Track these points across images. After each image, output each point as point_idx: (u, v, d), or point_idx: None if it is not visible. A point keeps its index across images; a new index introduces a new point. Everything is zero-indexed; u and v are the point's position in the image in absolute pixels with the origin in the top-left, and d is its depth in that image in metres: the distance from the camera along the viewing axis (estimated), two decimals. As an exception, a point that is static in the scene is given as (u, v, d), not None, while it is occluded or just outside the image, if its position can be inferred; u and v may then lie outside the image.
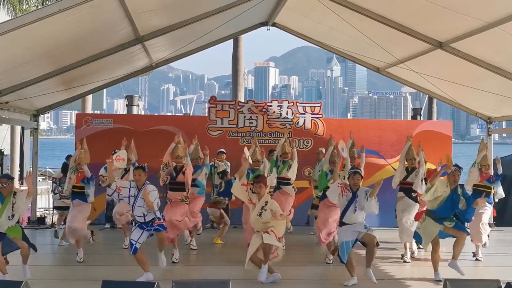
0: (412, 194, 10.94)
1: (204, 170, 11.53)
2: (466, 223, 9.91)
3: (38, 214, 15.35)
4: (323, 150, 12.69)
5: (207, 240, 12.66)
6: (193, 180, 11.27)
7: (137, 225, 9.07)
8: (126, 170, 11.54)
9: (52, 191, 15.36)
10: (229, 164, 13.97)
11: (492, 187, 11.28)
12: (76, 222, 10.44)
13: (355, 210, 8.91)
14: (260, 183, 9.12)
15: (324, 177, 11.01)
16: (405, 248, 11.02)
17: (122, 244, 11.79)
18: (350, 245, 8.86)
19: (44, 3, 24.27)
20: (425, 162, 11.11)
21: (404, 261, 10.82)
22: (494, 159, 12.37)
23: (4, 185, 8.71)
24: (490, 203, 11.31)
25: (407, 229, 10.76)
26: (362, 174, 11.49)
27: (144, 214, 8.98)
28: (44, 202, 18.28)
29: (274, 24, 14.99)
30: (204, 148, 11.78)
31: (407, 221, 10.84)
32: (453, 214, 9.30)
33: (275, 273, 8.98)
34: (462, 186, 9.71)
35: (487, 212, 11.20)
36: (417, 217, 11.20)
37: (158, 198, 9.10)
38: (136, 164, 11.00)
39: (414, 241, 10.77)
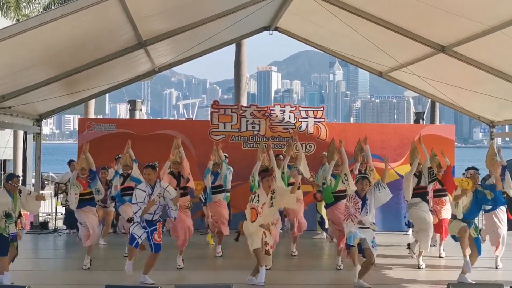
0: (427, 197, 10.95)
1: (223, 172, 11.54)
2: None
3: (41, 219, 15.35)
4: (327, 154, 12.66)
5: (207, 244, 12.64)
6: (218, 186, 11.40)
7: (138, 223, 9.00)
8: (125, 177, 11.52)
9: (55, 195, 15.39)
10: (231, 169, 13.93)
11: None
12: (97, 226, 10.57)
13: (367, 213, 8.96)
14: (272, 175, 9.31)
15: (329, 191, 10.82)
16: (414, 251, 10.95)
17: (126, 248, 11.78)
18: (358, 235, 8.87)
19: (47, 8, 24.36)
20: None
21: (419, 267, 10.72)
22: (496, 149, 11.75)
23: (16, 185, 9.10)
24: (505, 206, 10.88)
25: (428, 237, 10.76)
26: (373, 170, 11.59)
27: (154, 212, 8.98)
28: (47, 207, 18.26)
29: (276, 29, 14.99)
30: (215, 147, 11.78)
31: (429, 230, 10.74)
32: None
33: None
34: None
35: (504, 223, 10.88)
36: (435, 229, 11.20)
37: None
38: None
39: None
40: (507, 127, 16.21)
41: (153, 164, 9.26)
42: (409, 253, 11.06)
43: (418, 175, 10.86)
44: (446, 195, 11.56)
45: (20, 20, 23.37)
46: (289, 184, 11.53)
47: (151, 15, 10.67)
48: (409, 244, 11.00)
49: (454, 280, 9.01)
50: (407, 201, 11.08)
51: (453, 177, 11.14)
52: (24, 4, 25.86)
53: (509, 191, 11.01)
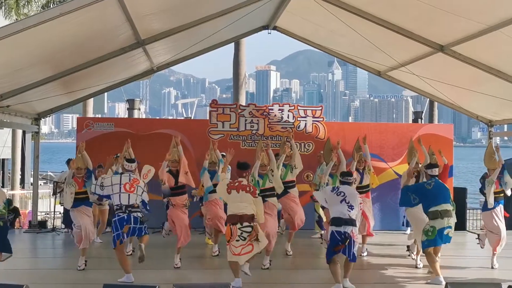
0: None
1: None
2: None
3: (39, 218, 15.34)
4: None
5: (205, 243, 12.63)
6: (215, 185, 11.27)
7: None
8: None
9: (53, 194, 15.37)
10: (230, 168, 13.90)
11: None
12: (91, 226, 10.58)
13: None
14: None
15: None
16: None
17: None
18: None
19: (45, 7, 24.34)
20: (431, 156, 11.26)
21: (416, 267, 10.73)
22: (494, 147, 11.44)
23: None
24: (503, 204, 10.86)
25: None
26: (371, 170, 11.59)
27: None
28: (45, 206, 18.27)
29: (275, 28, 14.98)
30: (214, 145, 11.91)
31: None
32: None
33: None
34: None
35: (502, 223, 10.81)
36: None
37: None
38: None
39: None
40: (505, 126, 16.23)
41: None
42: (409, 255, 11.00)
43: (417, 175, 10.86)
44: None
45: (19, 19, 23.34)
46: (286, 183, 11.53)
47: (150, 14, 10.66)
48: (408, 246, 10.95)
49: (453, 280, 9.01)
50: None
51: (448, 177, 11.13)
52: (23, 2, 25.83)
53: (507, 191, 11.00)
